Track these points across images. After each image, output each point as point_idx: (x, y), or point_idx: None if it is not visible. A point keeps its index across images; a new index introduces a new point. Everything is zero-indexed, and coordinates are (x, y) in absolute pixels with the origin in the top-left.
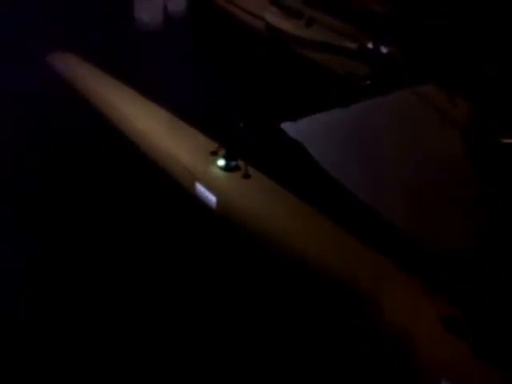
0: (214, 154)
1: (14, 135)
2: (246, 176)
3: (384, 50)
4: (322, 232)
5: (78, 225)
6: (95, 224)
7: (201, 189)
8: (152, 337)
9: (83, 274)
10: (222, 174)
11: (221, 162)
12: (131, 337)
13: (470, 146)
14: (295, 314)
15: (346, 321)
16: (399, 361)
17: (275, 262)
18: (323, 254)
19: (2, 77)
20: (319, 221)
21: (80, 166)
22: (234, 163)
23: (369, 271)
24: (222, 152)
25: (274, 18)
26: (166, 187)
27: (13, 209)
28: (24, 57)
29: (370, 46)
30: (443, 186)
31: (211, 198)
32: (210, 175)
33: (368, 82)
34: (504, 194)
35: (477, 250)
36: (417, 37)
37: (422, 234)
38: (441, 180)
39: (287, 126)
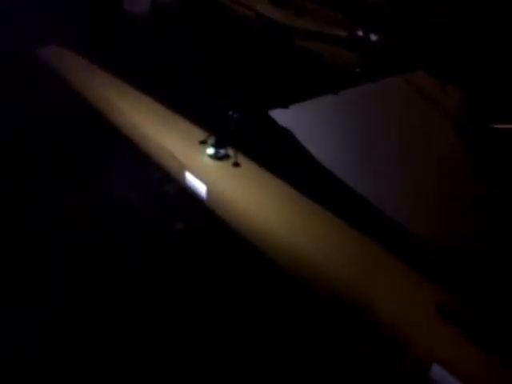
0: (204, 143)
1: (4, 128)
2: (236, 164)
3: (374, 37)
4: (312, 219)
5: (68, 217)
6: (85, 217)
7: (191, 178)
8: (144, 331)
9: (80, 271)
10: (211, 162)
11: (210, 151)
12: (127, 335)
13: (461, 131)
14: (286, 301)
15: (342, 310)
16: (393, 347)
17: (265, 250)
18: (314, 242)
19: None
20: (309, 208)
21: (70, 157)
22: (223, 151)
23: (361, 258)
24: (212, 141)
25: (266, 7)
26: (156, 176)
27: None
28: (14, 51)
29: (359, 33)
30: (435, 172)
31: (201, 187)
32: (200, 164)
33: (358, 70)
34: (496, 180)
35: (470, 240)
36: (408, 25)
37: (412, 222)
38: (432, 166)
39: (277, 114)
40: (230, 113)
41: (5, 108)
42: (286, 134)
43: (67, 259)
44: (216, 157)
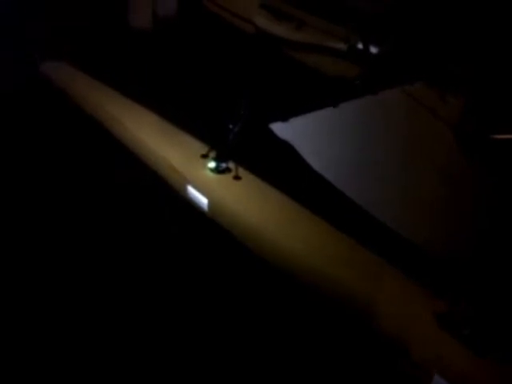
0: (205, 157)
1: (5, 142)
2: (237, 177)
3: (373, 49)
4: (313, 231)
5: (72, 228)
6: (89, 226)
7: (192, 191)
8: (143, 336)
9: (79, 276)
10: (212, 175)
11: (211, 165)
12: (124, 338)
13: (461, 142)
14: (286, 310)
15: (341, 318)
16: (393, 357)
17: (266, 262)
18: (315, 254)
19: None
20: (310, 220)
21: (72, 171)
22: (224, 165)
23: (361, 269)
24: (213, 154)
25: (263, 20)
26: (158, 190)
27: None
28: (16, 65)
29: (359, 46)
30: (436, 182)
31: (202, 200)
32: (201, 177)
33: (357, 82)
34: (497, 189)
35: (471, 249)
36: (407, 35)
37: (413, 233)
38: (433, 178)
39: (277, 127)
40: (231, 126)
41: (7, 121)
42: (286, 147)
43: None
44: (217, 170)
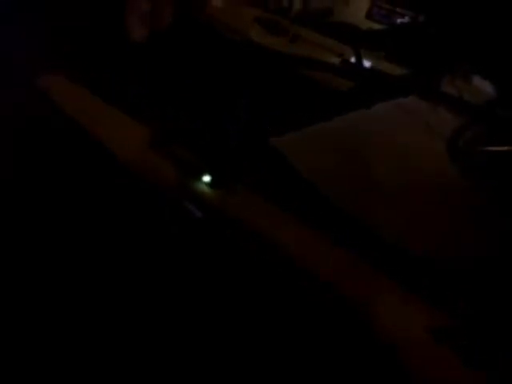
0: (200, 171)
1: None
2: (233, 191)
3: (367, 64)
4: (311, 246)
5: (64, 243)
6: (83, 239)
7: (187, 204)
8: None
9: (70, 296)
10: (208, 189)
11: (207, 178)
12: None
13: (455, 155)
14: (282, 325)
15: (335, 332)
16: (389, 373)
17: (264, 277)
18: (313, 268)
19: None
20: (308, 235)
21: (68, 186)
22: (220, 179)
23: (358, 282)
24: (208, 168)
25: (258, 34)
26: (154, 203)
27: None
28: (12, 80)
29: (352, 60)
30: (432, 196)
31: (197, 214)
32: (197, 191)
33: (351, 96)
34: (491, 202)
35: (469, 262)
36: (401, 48)
37: (411, 245)
38: (429, 190)
39: (272, 141)
40: (227, 140)
41: (4, 140)
42: (281, 161)
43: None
44: (213, 184)
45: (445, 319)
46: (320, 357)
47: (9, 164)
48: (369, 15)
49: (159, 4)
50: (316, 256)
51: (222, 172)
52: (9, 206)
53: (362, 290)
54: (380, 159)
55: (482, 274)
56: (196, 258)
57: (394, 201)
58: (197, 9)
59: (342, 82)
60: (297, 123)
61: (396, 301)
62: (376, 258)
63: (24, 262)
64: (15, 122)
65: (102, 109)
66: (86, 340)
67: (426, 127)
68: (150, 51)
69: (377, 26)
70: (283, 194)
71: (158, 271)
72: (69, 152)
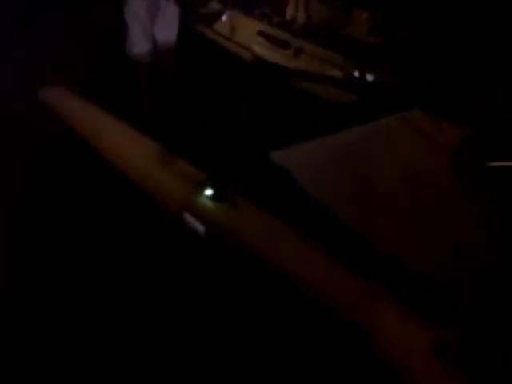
0: (202, 184)
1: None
2: (234, 205)
3: (370, 77)
4: (312, 260)
5: (63, 256)
6: (83, 251)
7: (189, 218)
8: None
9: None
10: (210, 203)
11: (208, 192)
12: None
13: (458, 169)
14: (281, 339)
15: (336, 349)
16: None
17: (265, 289)
18: (313, 282)
19: None
20: (309, 249)
21: (69, 198)
22: (222, 193)
23: (358, 298)
24: (210, 182)
25: (261, 48)
26: (154, 217)
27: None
28: (15, 92)
29: (355, 74)
30: (433, 210)
31: (199, 228)
32: (198, 205)
33: (355, 109)
34: (492, 215)
35: (471, 278)
36: (404, 65)
37: (412, 261)
38: (431, 205)
39: (275, 155)
40: (229, 154)
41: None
42: (284, 176)
43: None
44: (214, 198)
45: (446, 335)
46: (321, 373)
47: (14, 179)
48: (371, 29)
49: None
50: (316, 272)
51: (223, 186)
52: (10, 215)
53: (362, 306)
54: (382, 175)
55: (492, 294)
56: (198, 272)
57: (396, 216)
58: (198, 1)
59: (345, 96)
60: (299, 137)
61: (396, 317)
62: (377, 273)
63: (30, 276)
64: (18, 134)
65: (103, 120)
66: (87, 346)
67: (429, 141)
68: (153, 65)
69: (379, 40)
70: (284, 207)
71: (162, 283)
72: (68, 160)
